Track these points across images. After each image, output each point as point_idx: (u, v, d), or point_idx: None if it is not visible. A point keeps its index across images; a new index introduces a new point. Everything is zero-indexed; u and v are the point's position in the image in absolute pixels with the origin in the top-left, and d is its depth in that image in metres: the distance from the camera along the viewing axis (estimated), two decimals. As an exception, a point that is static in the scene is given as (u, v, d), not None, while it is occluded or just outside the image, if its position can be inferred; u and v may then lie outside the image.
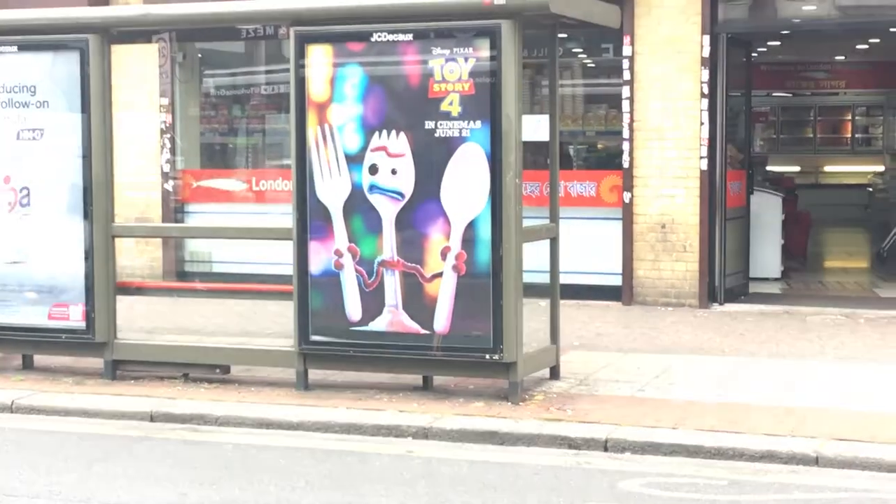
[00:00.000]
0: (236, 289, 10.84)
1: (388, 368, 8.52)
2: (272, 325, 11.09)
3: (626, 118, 12.48)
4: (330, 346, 8.48)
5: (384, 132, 8.20)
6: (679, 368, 9.28)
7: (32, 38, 9.08)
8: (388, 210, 8.22)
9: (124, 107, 13.99)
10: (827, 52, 21.94)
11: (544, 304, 9.02)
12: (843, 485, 6.59)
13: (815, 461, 6.92)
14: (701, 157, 12.27)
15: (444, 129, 8.05)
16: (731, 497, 6.39)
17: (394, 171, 8.18)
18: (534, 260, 8.62)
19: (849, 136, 23.95)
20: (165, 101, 14.10)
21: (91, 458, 7.30)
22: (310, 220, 8.43)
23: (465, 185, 8.04)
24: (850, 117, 23.79)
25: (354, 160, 8.28)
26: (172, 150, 14.07)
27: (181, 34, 9.88)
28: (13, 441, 7.76)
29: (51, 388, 8.89)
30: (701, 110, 12.24)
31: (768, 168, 18.16)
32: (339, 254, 8.36)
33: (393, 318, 8.26)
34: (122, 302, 9.46)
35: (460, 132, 8.03)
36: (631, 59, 12.43)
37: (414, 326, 8.20)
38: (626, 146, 12.49)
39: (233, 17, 9.05)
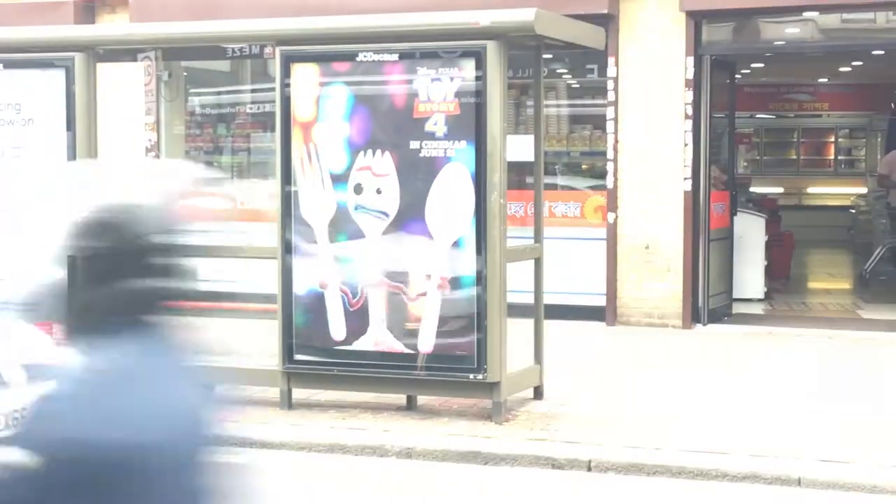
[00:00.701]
0: (220, 307, 10.80)
1: (373, 388, 8.52)
2: (256, 344, 11.07)
3: (610, 139, 12.52)
4: (314, 366, 8.47)
5: (369, 152, 8.21)
6: (663, 389, 9.30)
7: (18, 56, 9.08)
8: (373, 229, 8.22)
9: (109, 125, 14.00)
10: (810, 75, 22.07)
11: (528, 323, 9.03)
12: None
13: (798, 482, 6.94)
14: (685, 178, 12.31)
15: (429, 149, 8.07)
16: (714, 518, 6.41)
17: (378, 191, 8.19)
18: (518, 280, 8.64)
19: (832, 157, 24.05)
20: (151, 119, 14.08)
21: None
22: (294, 239, 8.43)
23: (450, 204, 8.06)
24: (833, 139, 23.89)
25: (339, 179, 8.29)
26: (157, 169, 14.04)
27: (167, 53, 9.90)
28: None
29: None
30: (685, 131, 12.28)
31: (752, 189, 18.23)
32: (323, 273, 8.35)
33: (377, 337, 8.26)
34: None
35: (445, 152, 8.05)
36: (615, 80, 12.47)
37: (398, 346, 8.21)
38: (610, 167, 12.52)
39: (218, 37, 9.08)
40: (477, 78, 7.97)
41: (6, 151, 9.07)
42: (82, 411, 2.28)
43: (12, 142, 9.04)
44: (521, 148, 11.36)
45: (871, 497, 6.77)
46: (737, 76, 14.92)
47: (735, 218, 13.69)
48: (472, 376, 8.07)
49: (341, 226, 8.29)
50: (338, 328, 8.34)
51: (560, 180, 13.51)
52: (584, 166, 13.69)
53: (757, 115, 23.33)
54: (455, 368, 8.13)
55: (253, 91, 14.77)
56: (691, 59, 12.24)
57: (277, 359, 8.58)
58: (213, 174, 14.33)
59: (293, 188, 8.39)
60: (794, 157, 24.24)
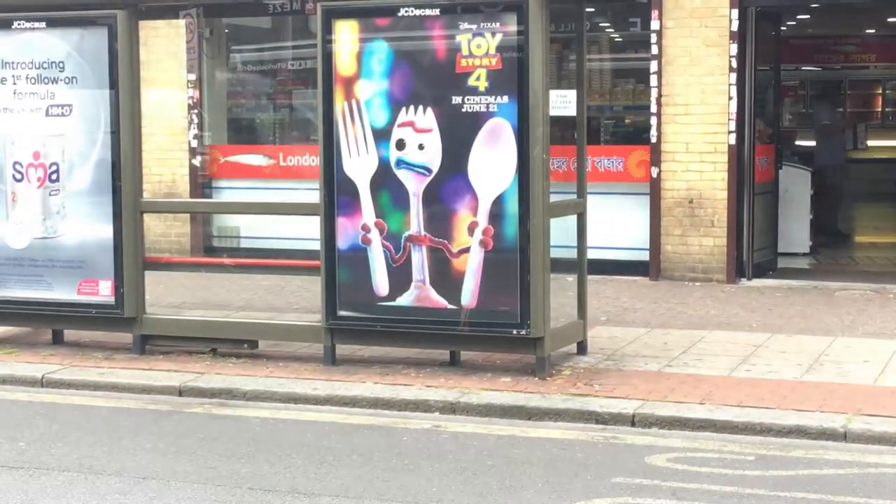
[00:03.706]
0: (264, 264, 10.88)
1: (415, 344, 8.54)
2: (300, 300, 11.13)
3: (653, 93, 12.42)
4: (357, 322, 8.50)
5: (411, 107, 8.19)
6: (706, 344, 9.26)
7: (61, 14, 9.11)
8: (415, 185, 8.21)
9: (152, 83, 14.05)
10: (857, 26, 21.74)
11: (571, 279, 9.02)
12: (871, 460, 6.57)
13: (844, 437, 6.91)
14: (729, 132, 12.20)
15: (471, 104, 8.04)
16: (759, 472, 6.39)
17: (421, 147, 8.18)
18: (561, 235, 8.60)
19: (879, 110, 23.73)
20: (193, 76, 14.12)
21: (121, 432, 7.35)
22: (337, 195, 8.43)
23: (493, 160, 8.03)
24: (880, 91, 23.58)
25: (381, 135, 8.27)
26: (200, 126, 14.10)
27: (208, 10, 9.87)
28: (44, 415, 7.82)
29: (81, 363, 8.95)
30: (729, 85, 12.16)
31: (797, 143, 18.05)
32: (366, 229, 8.37)
33: (420, 293, 8.27)
34: (151, 277, 9.51)
35: (487, 107, 8.01)
36: (658, 33, 12.36)
37: (441, 301, 8.21)
38: (653, 121, 12.44)
39: (260, -8, 9.05)
40: (519, 32, 7.92)
41: (51, 110, 9.10)
42: None
43: (56, 100, 9.08)
44: (564, 102, 11.31)
45: None
46: (782, 28, 14.73)
47: (780, 172, 13.57)
48: (515, 332, 8.07)
49: (383, 182, 8.29)
50: (381, 284, 8.35)
51: (603, 135, 13.45)
52: (627, 121, 13.60)
53: (802, 68, 23.04)
54: (498, 324, 8.13)
55: (294, 48, 14.76)
56: (736, 11, 12.10)
57: (321, 315, 8.61)
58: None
59: (335, 145, 8.38)
60: (841, 110, 23.95)
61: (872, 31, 22.18)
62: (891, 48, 22.80)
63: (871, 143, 23.00)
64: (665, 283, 12.34)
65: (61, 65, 9.06)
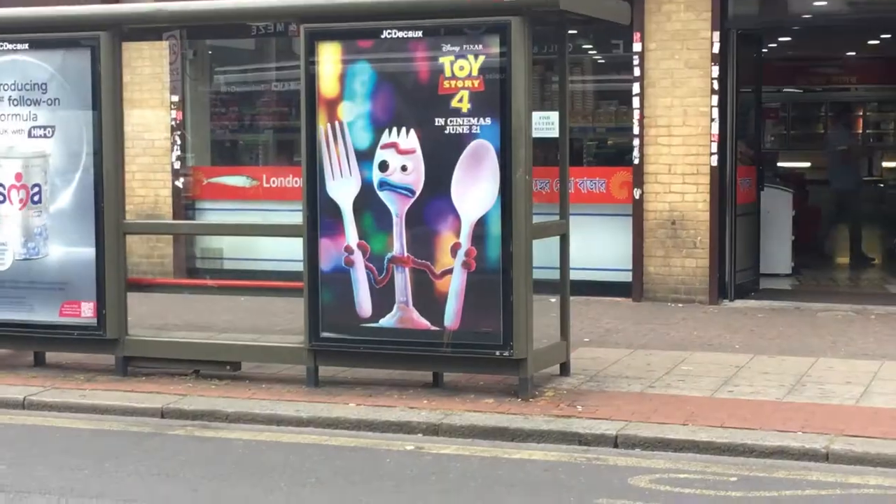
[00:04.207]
0: (247, 285, 10.87)
1: (399, 365, 8.53)
2: (282, 321, 11.11)
3: (636, 114, 12.48)
4: (340, 343, 8.49)
5: (394, 129, 8.21)
6: (689, 365, 9.28)
7: (44, 36, 9.10)
8: (398, 207, 8.22)
9: (135, 104, 14.05)
10: (838, 48, 21.85)
11: (554, 300, 9.03)
12: (854, 481, 6.59)
13: (826, 457, 6.92)
14: (711, 154, 12.26)
15: (454, 126, 8.06)
16: (742, 493, 6.39)
17: (404, 168, 8.19)
18: (544, 256, 8.62)
19: (860, 131, 23.86)
20: (176, 98, 14.13)
21: (102, 454, 7.32)
22: (320, 217, 8.44)
23: (476, 181, 8.05)
24: (861, 113, 23.70)
25: (364, 157, 8.29)
26: (183, 147, 14.10)
27: (192, 31, 9.89)
28: (25, 438, 7.79)
29: (62, 385, 8.91)
30: (711, 106, 12.23)
31: (779, 164, 18.13)
32: (349, 250, 8.37)
33: (403, 314, 8.27)
34: (133, 298, 9.48)
35: (470, 129, 8.03)
36: (641, 55, 12.42)
37: (424, 323, 8.21)
38: (636, 142, 12.48)
39: (244, 13, 9.06)
40: (501, 54, 7.95)
41: (33, 131, 9.09)
42: None
43: (39, 122, 9.06)
44: (546, 124, 11.35)
45: None
46: (763, 50, 14.82)
47: (762, 193, 13.63)
48: (498, 353, 8.08)
49: (366, 203, 8.29)
50: (364, 305, 8.35)
51: (585, 156, 13.49)
52: (609, 142, 13.65)
53: (784, 89, 23.15)
54: (481, 345, 8.13)
55: (278, 69, 14.78)
56: (717, 34, 12.17)
57: (303, 336, 8.60)
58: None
59: (318, 166, 8.39)
60: (822, 131, 24.06)
61: (853, 53, 22.31)
62: (871, 70, 22.93)
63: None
64: (648, 305, 12.36)
65: (44, 86, 9.05)
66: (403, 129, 8.18)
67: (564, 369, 8.90)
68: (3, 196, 9.18)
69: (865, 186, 20.13)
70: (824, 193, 17.14)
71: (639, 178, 12.48)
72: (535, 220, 8.27)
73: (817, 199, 17.45)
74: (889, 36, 18.57)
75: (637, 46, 12.42)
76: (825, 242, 16.26)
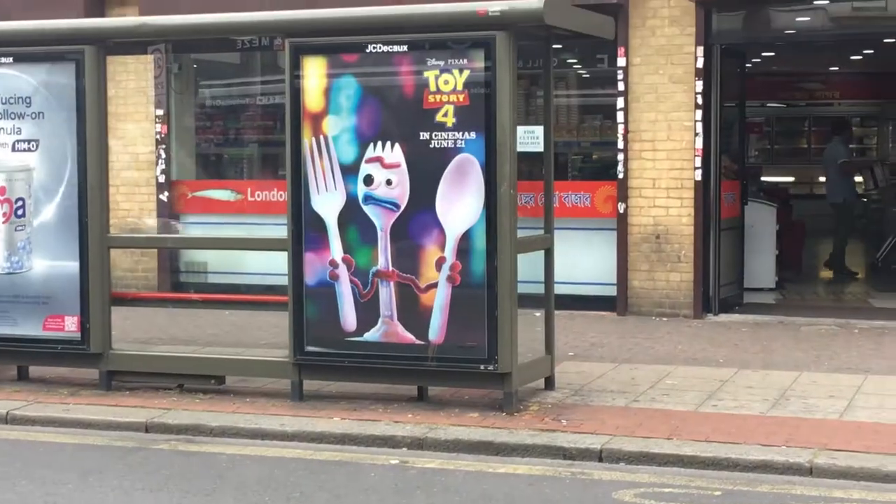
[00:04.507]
0: (231, 299, 10.85)
1: (383, 379, 8.53)
2: (267, 335, 11.10)
3: (620, 129, 12.51)
4: (325, 357, 8.48)
5: (379, 143, 8.22)
6: (674, 379, 9.29)
7: (28, 50, 9.09)
8: (382, 221, 8.23)
9: (120, 118, 14.04)
10: (821, 63, 21.99)
11: (539, 314, 9.04)
12: (837, 495, 6.60)
13: (810, 472, 6.94)
14: (695, 168, 12.29)
15: (439, 140, 8.07)
16: (726, 507, 6.41)
17: (389, 182, 8.20)
18: (529, 270, 8.63)
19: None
20: (161, 111, 14.12)
21: (86, 469, 7.30)
22: (305, 231, 8.44)
23: (460, 195, 8.06)
24: (844, 128, 23.78)
25: (349, 171, 8.29)
26: (167, 161, 14.08)
27: (177, 45, 9.88)
28: (8, 452, 7.76)
29: (46, 400, 8.88)
30: (695, 121, 12.27)
31: (763, 178, 18.19)
32: (334, 264, 8.37)
33: (388, 328, 8.27)
34: (118, 312, 9.46)
35: (455, 143, 8.04)
36: (625, 69, 12.46)
37: (409, 337, 8.21)
38: (620, 157, 12.52)
39: (229, 28, 9.07)
40: (486, 69, 7.97)
41: (17, 145, 9.07)
42: None
43: (23, 135, 9.05)
44: (531, 138, 11.37)
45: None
46: (747, 65, 14.89)
47: (746, 207, 13.68)
48: (482, 367, 8.08)
49: (351, 217, 8.30)
50: (349, 319, 8.35)
51: (570, 171, 13.52)
52: (594, 156, 13.68)
53: (768, 104, 23.26)
54: (466, 359, 8.13)
55: (263, 83, 14.78)
56: (701, 49, 12.22)
57: (288, 350, 8.59)
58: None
59: (303, 180, 8.40)
60: (805, 146, 24.17)
61: (836, 68, 22.43)
62: (854, 85, 23.06)
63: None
64: (632, 319, 12.38)
65: (28, 100, 9.04)
66: (388, 144, 8.19)
67: (549, 383, 8.90)
68: (-13, 210, 9.16)
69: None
70: (811, 207, 17.20)
71: (623, 192, 12.51)
72: (520, 234, 8.28)
73: (801, 214, 17.52)
74: (871, 52, 18.69)
75: (621, 61, 12.46)
76: (835, 255, 16.14)
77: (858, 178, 18.16)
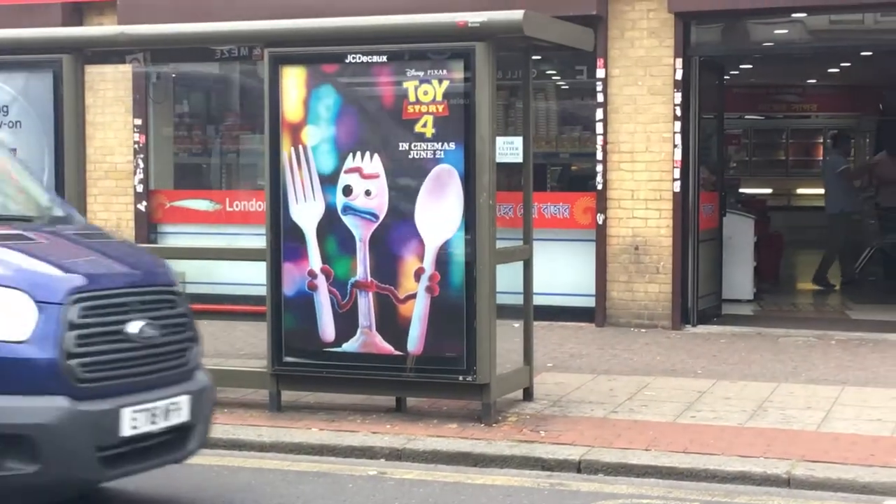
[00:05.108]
0: (209, 309, 10.79)
1: (362, 390, 8.51)
2: (245, 345, 11.06)
3: (599, 140, 12.54)
4: (303, 368, 8.46)
5: (358, 154, 8.21)
6: (652, 390, 9.30)
7: (5, 58, 9.04)
8: (361, 231, 8.22)
9: (98, 127, 13.99)
10: (799, 76, 22.10)
11: (518, 325, 9.03)
12: (814, 506, 6.62)
13: (788, 483, 6.95)
14: (674, 180, 12.33)
15: (419, 151, 8.07)
16: (704, 519, 6.41)
17: (368, 193, 8.19)
18: (507, 281, 8.63)
19: (821, 158, 24.09)
20: (139, 121, 14.08)
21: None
22: (283, 241, 8.42)
23: (439, 206, 8.05)
24: (821, 140, 23.93)
25: (328, 181, 8.28)
26: (145, 171, 14.04)
27: (155, 54, 9.85)
28: None
29: None
30: (674, 132, 12.30)
31: (741, 190, 18.25)
32: (312, 275, 8.35)
33: (366, 339, 8.25)
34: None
35: (434, 154, 8.04)
36: (604, 81, 12.49)
37: (387, 347, 8.20)
38: (599, 168, 12.54)
39: (208, 37, 9.05)
40: (465, 79, 7.97)
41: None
42: None
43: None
44: (510, 149, 11.38)
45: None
46: (725, 77, 14.95)
47: (724, 219, 13.72)
48: (461, 378, 8.07)
49: (330, 227, 8.28)
50: (327, 330, 8.33)
51: (549, 181, 13.54)
52: (573, 167, 13.71)
53: (746, 116, 23.36)
54: (444, 370, 8.12)
55: (242, 93, 14.75)
56: (680, 61, 12.26)
57: (266, 361, 8.56)
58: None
59: (282, 190, 8.38)
60: (783, 158, 24.28)
61: (813, 81, 22.54)
62: (831, 98, 23.18)
63: (804, 191, 23.29)
64: (611, 330, 12.39)
65: (6, 109, 9.00)
66: (367, 154, 8.18)
67: (527, 394, 8.90)
68: (-37, 219, 9.09)
69: (822, 213, 20.33)
70: (788, 218, 17.25)
71: (602, 203, 12.53)
72: (499, 244, 8.28)
73: (779, 226, 17.59)
74: (849, 64, 18.79)
75: (601, 72, 12.49)
76: (822, 268, 16.14)
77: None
